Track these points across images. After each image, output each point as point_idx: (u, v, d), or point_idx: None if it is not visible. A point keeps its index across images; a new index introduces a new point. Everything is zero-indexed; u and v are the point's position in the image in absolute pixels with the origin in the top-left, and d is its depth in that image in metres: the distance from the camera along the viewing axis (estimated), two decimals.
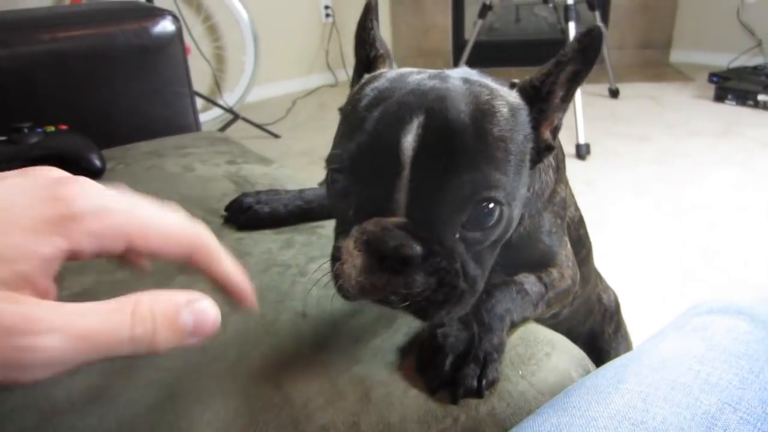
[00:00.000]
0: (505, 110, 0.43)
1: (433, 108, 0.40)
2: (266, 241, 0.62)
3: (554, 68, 0.45)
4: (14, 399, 0.42)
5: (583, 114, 2.33)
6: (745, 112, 2.83)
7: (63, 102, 0.98)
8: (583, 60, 0.44)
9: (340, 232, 0.43)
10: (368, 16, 0.51)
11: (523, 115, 0.45)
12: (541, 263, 0.55)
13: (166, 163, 0.88)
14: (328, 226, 0.65)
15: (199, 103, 2.72)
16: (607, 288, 0.86)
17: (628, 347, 0.87)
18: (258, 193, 0.68)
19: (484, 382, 0.41)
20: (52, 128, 0.82)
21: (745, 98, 2.89)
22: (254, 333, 0.47)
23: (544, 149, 0.47)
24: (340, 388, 0.42)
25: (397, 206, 0.40)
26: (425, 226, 0.39)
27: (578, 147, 2.32)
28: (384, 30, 3.88)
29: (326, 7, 3.70)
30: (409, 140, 0.39)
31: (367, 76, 0.49)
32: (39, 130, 0.81)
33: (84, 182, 0.28)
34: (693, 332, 0.37)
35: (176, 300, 0.27)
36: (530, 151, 0.46)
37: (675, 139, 2.55)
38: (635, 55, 3.81)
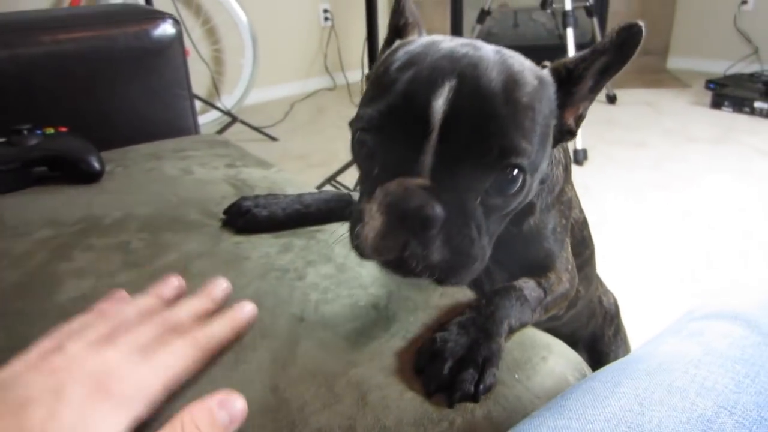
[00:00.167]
0: (534, 82, 0.44)
1: (465, 73, 0.41)
2: (264, 245, 0.62)
3: (590, 55, 0.46)
4: None
5: None
6: (742, 119, 2.85)
7: (63, 104, 0.98)
8: (618, 54, 0.45)
9: (364, 193, 0.43)
10: None
11: (551, 91, 0.46)
12: (542, 266, 0.56)
13: (164, 165, 0.88)
14: (327, 230, 0.65)
15: (198, 105, 2.72)
16: (607, 291, 0.87)
17: (626, 351, 0.88)
18: (257, 196, 0.68)
19: (481, 387, 0.41)
20: (51, 130, 0.82)
21: (741, 105, 2.91)
22: (251, 337, 0.47)
23: (566, 132, 0.48)
24: (336, 391, 0.42)
25: (422, 168, 0.40)
26: (448, 190, 0.40)
27: (576, 152, 2.33)
28: (383, 33, 3.88)
29: (325, 11, 3.71)
30: (439, 103, 0.39)
31: (398, 41, 0.49)
32: (38, 132, 0.81)
33: (54, 408, 0.33)
34: (689, 337, 0.37)
35: (209, 405, 0.35)
36: (554, 128, 0.47)
37: (672, 145, 2.56)
38: (633, 62, 3.78)
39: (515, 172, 0.41)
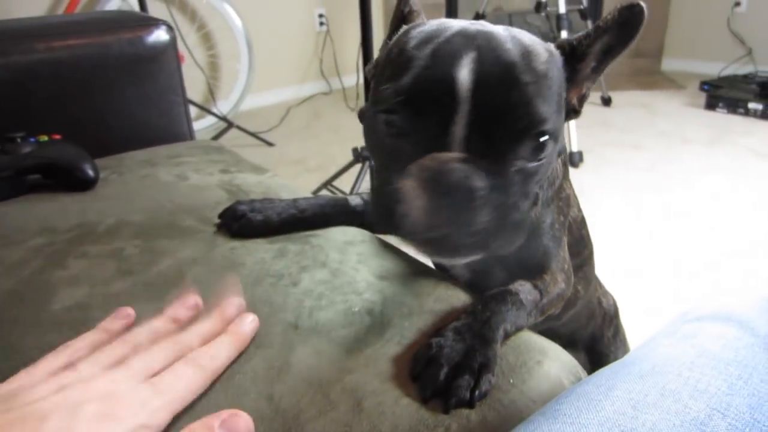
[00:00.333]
0: (545, 53, 0.44)
1: (482, 46, 0.41)
2: (259, 250, 0.62)
3: (593, 33, 0.46)
4: None
5: (576, 122, 2.35)
6: (736, 120, 2.86)
7: (57, 111, 0.98)
8: (620, 35, 0.45)
9: (391, 174, 0.42)
10: None
11: (559, 63, 0.46)
12: (538, 264, 0.56)
13: (159, 172, 0.88)
14: (322, 235, 0.65)
15: (193, 111, 2.73)
16: (606, 292, 0.87)
17: (626, 352, 0.88)
18: (252, 201, 0.68)
19: (477, 393, 0.41)
20: (45, 138, 0.82)
21: (735, 106, 2.92)
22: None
23: (571, 110, 0.49)
24: (332, 398, 0.42)
25: (454, 141, 0.40)
26: (484, 161, 0.40)
27: (571, 155, 2.33)
28: (378, 38, 3.89)
29: (320, 16, 3.72)
30: (464, 74, 0.39)
31: (405, 26, 0.50)
32: (32, 140, 0.81)
33: (70, 425, 0.34)
34: (683, 339, 0.37)
35: (210, 424, 0.36)
36: (563, 100, 0.47)
37: (667, 146, 2.57)
38: (627, 64, 3.84)
39: (544, 138, 0.42)
